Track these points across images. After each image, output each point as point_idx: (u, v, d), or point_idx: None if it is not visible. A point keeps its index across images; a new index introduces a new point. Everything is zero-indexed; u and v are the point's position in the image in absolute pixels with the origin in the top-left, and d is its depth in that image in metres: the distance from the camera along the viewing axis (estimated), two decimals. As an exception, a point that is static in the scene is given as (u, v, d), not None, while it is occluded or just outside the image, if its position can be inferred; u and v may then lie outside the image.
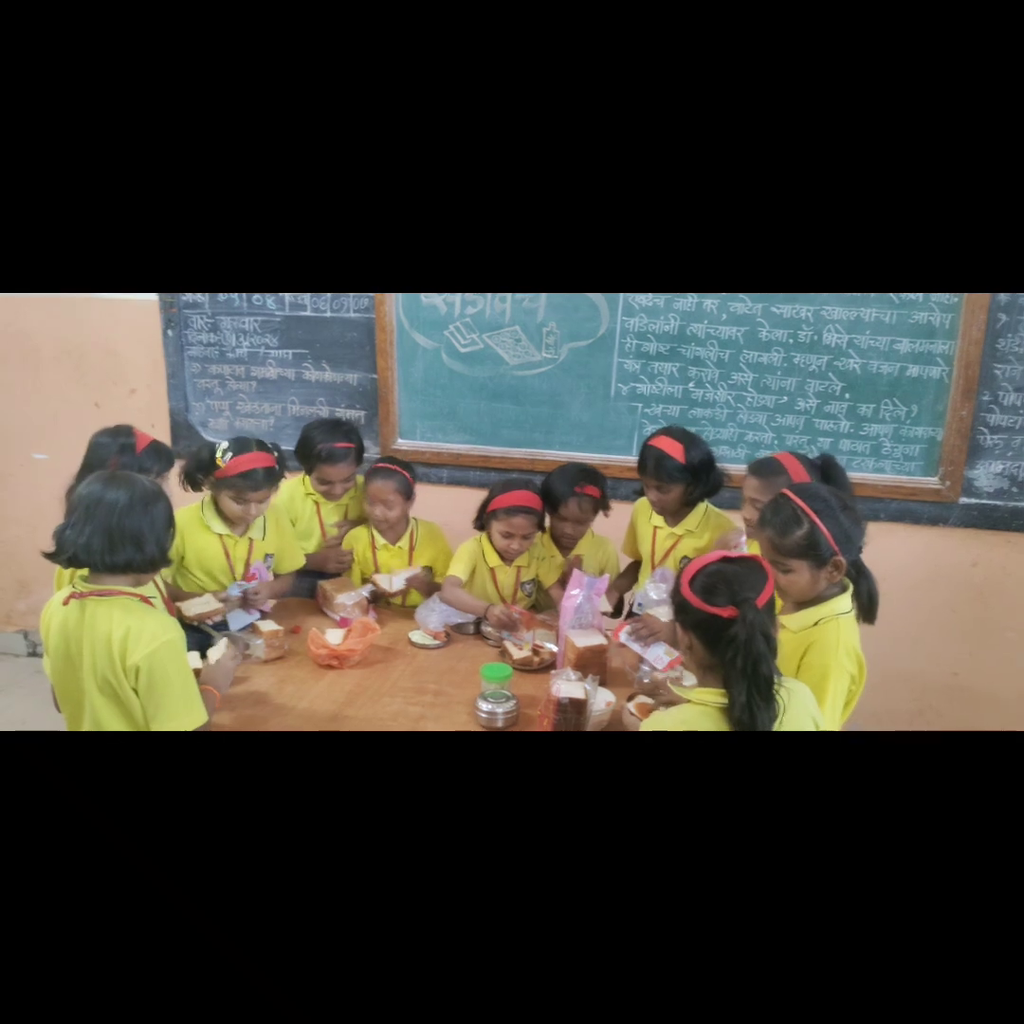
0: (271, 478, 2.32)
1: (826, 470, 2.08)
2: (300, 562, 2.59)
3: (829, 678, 1.66)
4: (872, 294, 2.68)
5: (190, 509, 2.37)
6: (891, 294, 2.67)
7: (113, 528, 1.57)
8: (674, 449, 2.31)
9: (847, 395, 2.79)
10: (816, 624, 1.70)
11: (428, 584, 2.61)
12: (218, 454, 2.27)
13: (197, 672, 1.85)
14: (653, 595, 2.23)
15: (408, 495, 2.56)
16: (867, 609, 1.77)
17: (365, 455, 2.72)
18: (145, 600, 1.65)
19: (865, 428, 2.81)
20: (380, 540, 2.62)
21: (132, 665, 1.59)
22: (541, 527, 2.50)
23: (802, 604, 1.73)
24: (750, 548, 2.35)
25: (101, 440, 2.09)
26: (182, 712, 1.63)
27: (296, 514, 2.66)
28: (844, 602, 1.73)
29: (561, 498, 2.44)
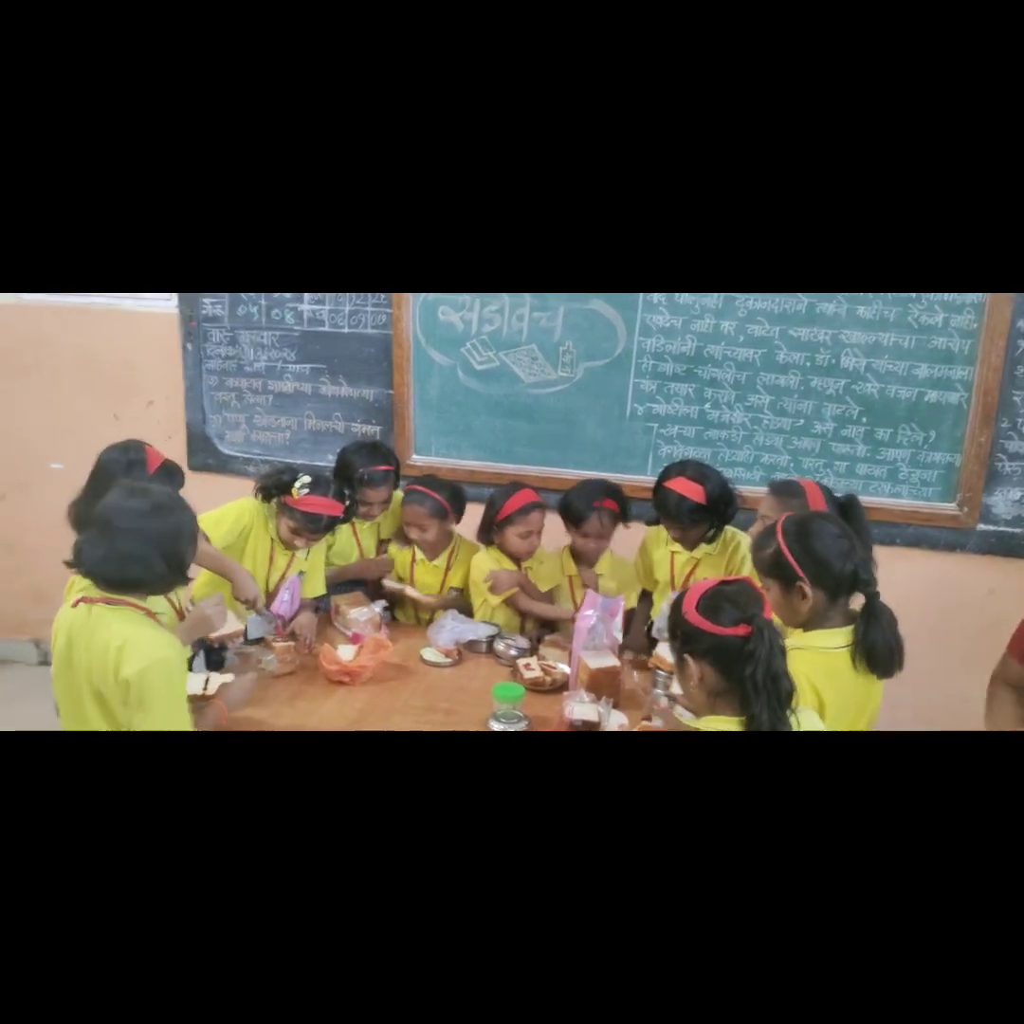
0: (331, 526, 2.40)
1: (846, 508, 2.01)
2: (320, 591, 2.60)
3: None
4: (891, 319, 2.67)
5: (265, 506, 2.41)
6: (910, 319, 2.66)
7: (122, 547, 1.56)
8: (692, 491, 2.27)
9: (864, 419, 2.78)
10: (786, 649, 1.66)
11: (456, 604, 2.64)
12: (296, 486, 2.31)
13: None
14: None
15: (443, 516, 2.57)
16: (869, 658, 1.63)
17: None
18: (150, 614, 1.65)
19: (882, 452, 2.80)
20: (419, 555, 2.65)
21: (123, 678, 1.56)
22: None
23: (795, 629, 1.69)
24: (733, 552, 2.36)
25: (111, 456, 2.06)
26: (163, 730, 1.58)
27: (332, 536, 2.66)
28: (830, 637, 1.64)
29: (582, 514, 2.44)
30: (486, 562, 2.54)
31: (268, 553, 2.46)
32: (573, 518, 2.47)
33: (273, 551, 2.46)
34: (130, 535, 1.57)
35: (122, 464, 2.02)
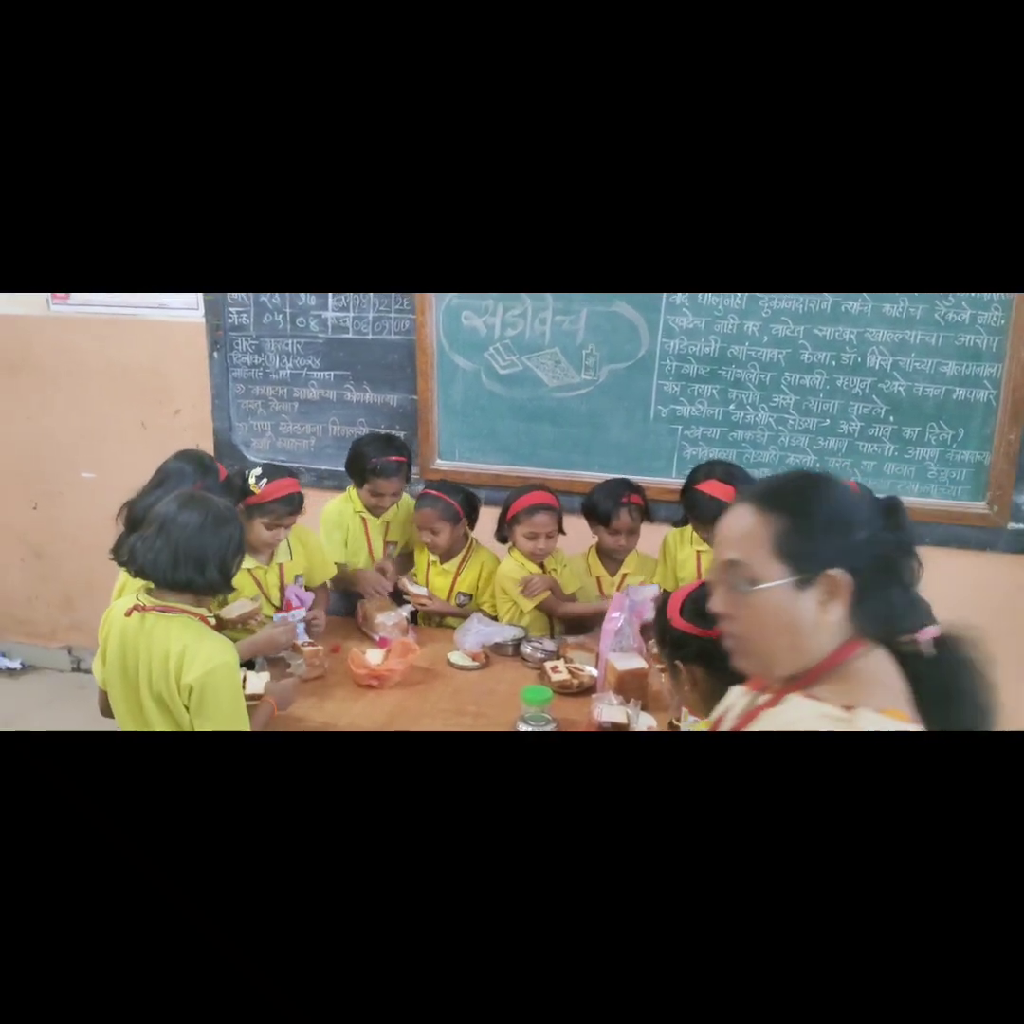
0: (302, 503, 2.37)
1: (888, 510, 1.98)
2: (332, 571, 2.62)
3: None
4: (918, 316, 2.65)
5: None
6: (937, 316, 2.64)
7: (180, 547, 1.62)
8: (724, 493, 2.27)
9: (892, 418, 2.76)
10: None
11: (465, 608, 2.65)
12: (251, 481, 2.28)
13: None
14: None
15: (455, 520, 2.57)
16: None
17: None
18: (204, 620, 1.69)
19: (910, 452, 2.77)
20: (432, 557, 2.67)
21: (186, 684, 1.62)
22: (560, 527, 2.54)
23: None
24: None
25: (180, 464, 2.10)
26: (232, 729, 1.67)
27: (345, 531, 2.70)
28: None
29: (611, 512, 2.45)
30: (512, 567, 2.55)
31: (250, 582, 2.38)
32: (601, 517, 2.47)
33: (255, 577, 2.39)
34: (187, 538, 1.62)
35: (195, 471, 2.07)
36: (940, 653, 0.99)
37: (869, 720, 0.88)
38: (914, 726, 0.90)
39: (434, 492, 2.59)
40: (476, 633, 2.40)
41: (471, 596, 2.67)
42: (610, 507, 2.45)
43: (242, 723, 1.70)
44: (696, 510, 2.33)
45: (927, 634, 0.98)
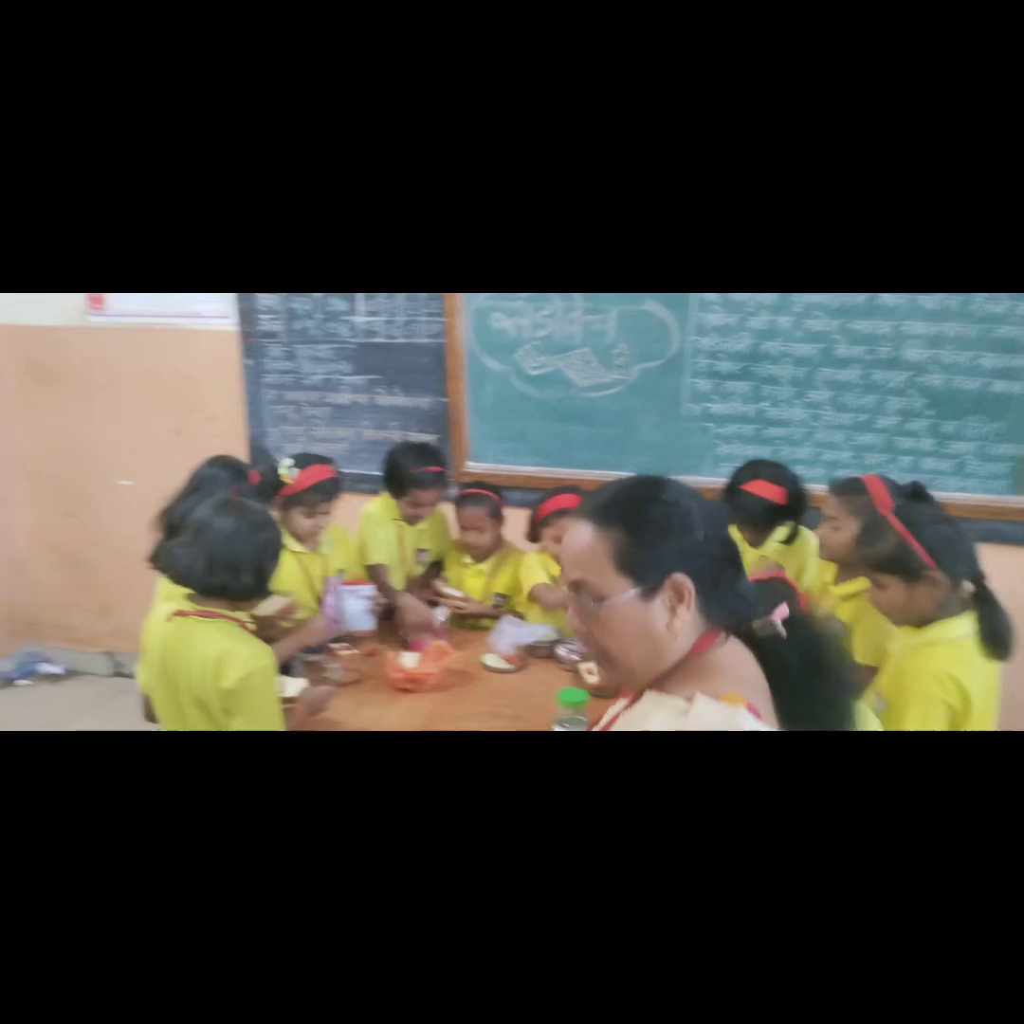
0: (338, 489, 2.39)
1: (913, 498, 1.97)
2: (374, 559, 2.63)
3: (912, 705, 1.57)
4: (954, 308, 2.61)
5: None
6: (973, 308, 2.59)
7: (215, 553, 1.63)
8: (773, 493, 2.24)
9: (929, 412, 2.72)
10: (914, 647, 1.63)
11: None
12: (282, 471, 2.30)
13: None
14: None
15: (498, 517, 2.61)
16: (993, 641, 1.63)
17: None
18: (242, 625, 1.70)
19: (948, 446, 2.73)
20: (466, 558, 2.68)
21: (225, 688, 1.64)
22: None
23: (918, 626, 1.64)
24: (799, 548, 2.30)
25: (213, 470, 2.12)
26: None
27: (380, 537, 2.71)
28: (955, 626, 1.62)
29: None
30: (534, 568, 2.56)
31: (298, 568, 2.42)
32: None
33: (303, 563, 2.43)
34: (222, 544, 1.64)
35: (229, 476, 2.09)
36: (795, 631, 1.02)
37: (704, 707, 0.90)
38: (741, 708, 0.90)
39: (477, 491, 2.60)
40: (509, 635, 2.40)
41: (508, 597, 2.67)
42: None
43: (277, 725, 1.72)
44: (744, 510, 2.27)
45: (778, 615, 1.00)
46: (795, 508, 2.26)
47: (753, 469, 2.32)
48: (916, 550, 1.58)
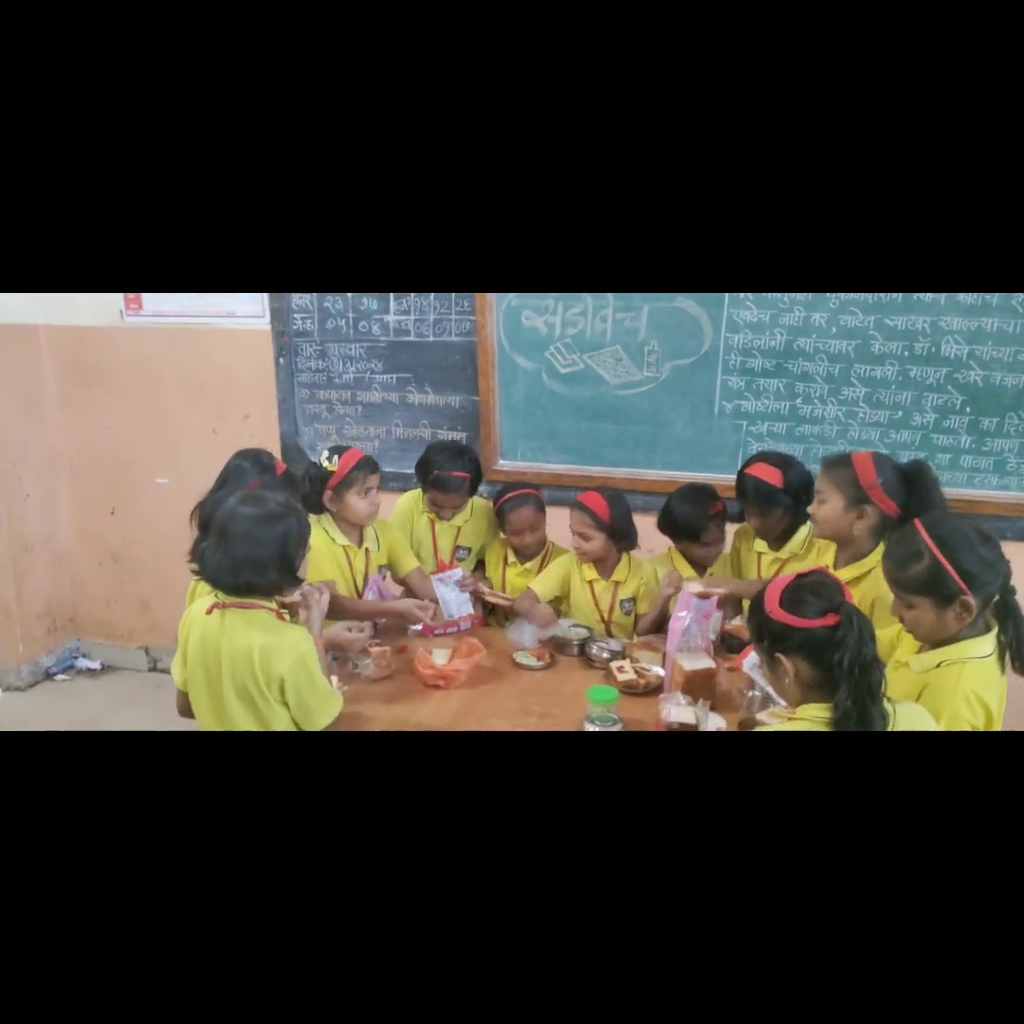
0: (376, 464, 2.45)
1: (912, 476, 1.95)
2: (415, 563, 2.64)
3: (940, 725, 1.50)
4: (994, 303, 2.56)
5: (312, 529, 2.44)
6: (1014, 302, 2.54)
7: (237, 552, 1.66)
8: (771, 475, 2.26)
9: (968, 409, 2.67)
10: (938, 666, 1.56)
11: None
12: (325, 462, 2.38)
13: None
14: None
15: (544, 514, 2.62)
16: (1015, 655, 1.57)
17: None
18: (279, 614, 1.73)
19: (988, 443, 2.67)
20: (511, 558, 2.68)
21: (278, 675, 1.67)
22: (602, 528, 2.42)
23: (936, 644, 1.59)
24: (819, 553, 2.27)
25: (240, 462, 2.16)
26: (326, 708, 1.77)
27: (410, 525, 2.73)
28: (980, 645, 1.56)
29: (702, 527, 2.41)
30: (563, 561, 2.56)
31: (343, 561, 2.45)
32: (692, 533, 2.43)
33: (348, 556, 2.46)
34: (243, 542, 1.66)
35: (252, 467, 2.14)
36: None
37: None
38: None
39: (527, 491, 2.60)
40: (531, 629, 2.40)
41: (558, 597, 2.66)
42: (699, 523, 2.41)
43: (335, 701, 1.79)
44: (744, 492, 2.32)
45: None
46: (793, 491, 2.26)
47: (762, 456, 2.36)
48: (951, 575, 1.52)
